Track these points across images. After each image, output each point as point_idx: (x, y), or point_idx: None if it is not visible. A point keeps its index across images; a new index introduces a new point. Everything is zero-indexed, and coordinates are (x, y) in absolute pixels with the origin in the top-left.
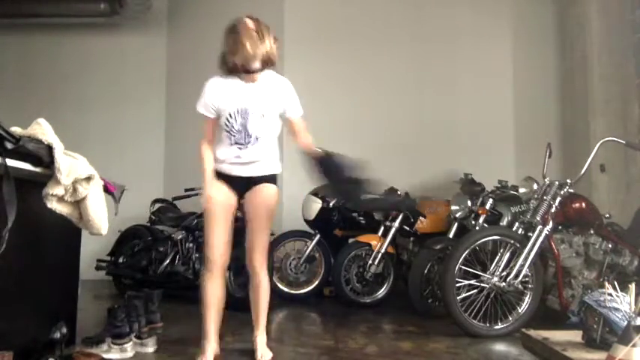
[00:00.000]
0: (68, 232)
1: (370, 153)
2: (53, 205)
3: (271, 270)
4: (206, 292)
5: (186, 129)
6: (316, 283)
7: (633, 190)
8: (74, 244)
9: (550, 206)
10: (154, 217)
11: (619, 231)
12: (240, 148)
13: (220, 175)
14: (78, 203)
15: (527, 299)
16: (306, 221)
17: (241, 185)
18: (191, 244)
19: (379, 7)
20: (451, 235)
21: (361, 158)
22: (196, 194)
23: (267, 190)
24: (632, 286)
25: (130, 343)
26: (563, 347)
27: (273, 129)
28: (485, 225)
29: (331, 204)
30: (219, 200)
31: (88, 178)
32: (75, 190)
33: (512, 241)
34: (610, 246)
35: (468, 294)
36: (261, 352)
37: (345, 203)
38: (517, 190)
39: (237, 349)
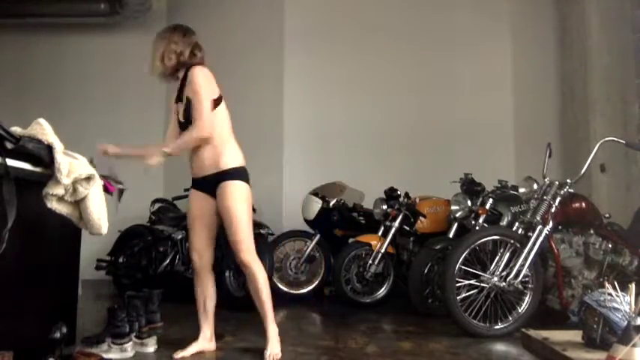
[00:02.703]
0: (68, 232)
1: (370, 153)
2: (53, 205)
3: (271, 270)
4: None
5: None
6: (316, 282)
7: (633, 190)
8: (74, 244)
9: (550, 206)
10: (154, 217)
11: (619, 231)
12: None
13: None
14: (78, 203)
15: (527, 299)
16: (306, 221)
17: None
18: None
19: (379, 8)
20: (451, 235)
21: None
22: None
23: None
24: (632, 286)
25: (130, 343)
26: (563, 347)
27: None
28: (485, 225)
29: (331, 204)
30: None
31: (88, 178)
32: (75, 190)
33: (512, 241)
34: (610, 246)
35: (468, 294)
36: (269, 352)
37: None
38: (517, 190)
39: (238, 347)
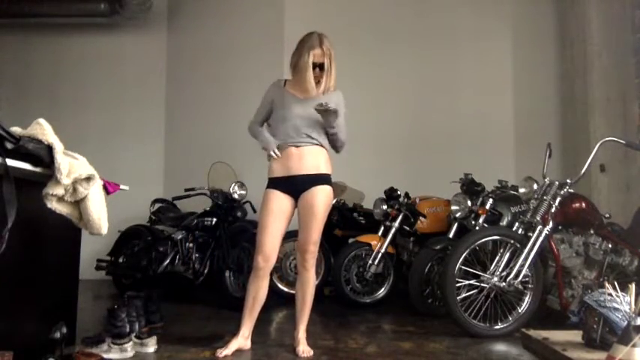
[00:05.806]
0: (68, 232)
1: (370, 153)
2: (53, 205)
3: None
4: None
5: (186, 129)
6: (316, 283)
7: (633, 190)
8: (74, 244)
9: (550, 206)
10: (154, 217)
11: (619, 231)
12: None
13: None
14: (78, 203)
15: (527, 299)
16: None
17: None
18: (191, 244)
19: (380, 9)
20: (451, 235)
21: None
22: (197, 194)
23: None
24: (632, 286)
25: (130, 343)
26: (563, 347)
27: None
28: (485, 225)
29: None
30: None
31: (88, 178)
32: (75, 190)
33: (512, 241)
34: (610, 246)
35: (468, 294)
36: (302, 348)
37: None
38: (517, 190)
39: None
